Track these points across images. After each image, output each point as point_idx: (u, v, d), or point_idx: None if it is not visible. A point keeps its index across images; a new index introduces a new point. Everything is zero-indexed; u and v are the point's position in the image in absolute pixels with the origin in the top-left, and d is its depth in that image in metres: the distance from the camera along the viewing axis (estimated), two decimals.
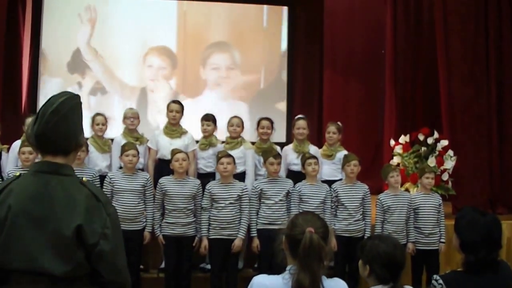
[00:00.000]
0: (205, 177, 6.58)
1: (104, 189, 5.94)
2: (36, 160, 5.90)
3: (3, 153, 6.62)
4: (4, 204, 2.53)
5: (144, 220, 6.12)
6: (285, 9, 10.69)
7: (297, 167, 6.65)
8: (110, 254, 2.53)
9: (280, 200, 6.17)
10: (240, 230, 6.11)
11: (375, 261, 2.88)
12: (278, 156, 6.28)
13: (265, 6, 10.66)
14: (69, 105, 2.61)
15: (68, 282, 2.49)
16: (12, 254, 2.48)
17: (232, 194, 6.07)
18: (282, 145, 7.18)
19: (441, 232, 6.28)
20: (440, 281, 3.07)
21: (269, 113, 7.56)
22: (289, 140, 7.73)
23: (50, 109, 2.56)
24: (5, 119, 7.96)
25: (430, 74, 9.19)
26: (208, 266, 6.52)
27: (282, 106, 10.48)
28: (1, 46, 8.11)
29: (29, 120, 6.10)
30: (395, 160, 7.79)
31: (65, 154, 2.64)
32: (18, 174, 2.68)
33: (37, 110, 2.71)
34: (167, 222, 6.07)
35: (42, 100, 9.44)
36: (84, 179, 2.66)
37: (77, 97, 2.71)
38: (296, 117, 7.16)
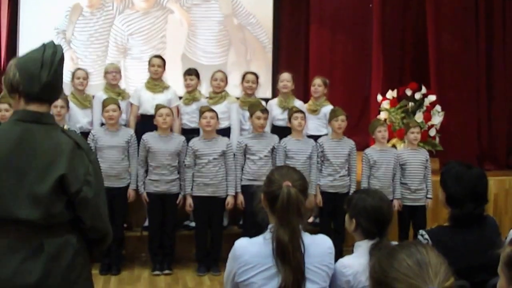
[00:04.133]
0: (189, 133, 6.45)
1: None
2: None
3: None
4: None
5: (128, 177, 6.04)
6: None
7: (281, 122, 6.58)
8: (93, 201, 2.56)
9: (266, 156, 6.10)
10: (230, 187, 6.06)
11: (361, 214, 2.83)
12: (265, 110, 6.18)
13: None
14: (61, 53, 2.62)
15: (48, 228, 2.51)
16: None
17: (215, 150, 5.99)
18: (267, 101, 7.07)
19: (428, 188, 6.25)
20: (426, 236, 3.01)
21: (254, 68, 7.47)
22: (274, 96, 7.62)
23: (57, 57, 2.57)
24: None
25: (418, 28, 9.09)
26: (192, 224, 6.48)
27: (268, 61, 10.28)
28: None
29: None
30: (382, 115, 7.71)
31: (50, 103, 2.65)
32: None
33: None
34: (151, 180, 6.01)
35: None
36: (65, 127, 2.62)
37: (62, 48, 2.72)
38: (281, 72, 7.06)
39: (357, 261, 2.76)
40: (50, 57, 2.56)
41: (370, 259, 2.68)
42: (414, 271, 1.65)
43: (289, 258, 2.48)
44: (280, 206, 2.51)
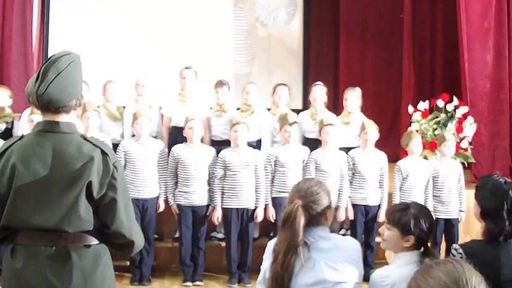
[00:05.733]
0: (221, 145, 6.47)
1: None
2: None
3: (15, 122, 6.54)
4: (8, 164, 2.55)
5: (158, 188, 6.05)
6: None
7: (313, 135, 6.55)
8: (116, 204, 2.58)
9: (296, 168, 6.08)
10: (258, 200, 6.05)
11: (421, 230, 2.80)
12: (294, 123, 6.17)
13: None
14: (69, 61, 2.60)
15: (76, 236, 2.55)
16: (20, 214, 2.53)
17: (246, 162, 5.98)
18: (298, 112, 7.06)
19: (461, 201, 6.17)
20: (460, 250, 2.97)
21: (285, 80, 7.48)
22: (305, 107, 7.60)
23: (51, 67, 2.56)
24: (16, 88, 7.81)
25: (449, 39, 9.00)
26: (219, 235, 6.47)
27: (298, 72, 10.26)
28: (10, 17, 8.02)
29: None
30: (413, 127, 7.63)
31: (67, 112, 2.64)
32: (20, 135, 2.69)
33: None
34: (181, 191, 6.01)
35: None
36: (88, 134, 2.65)
37: (78, 56, 2.70)
38: (314, 84, 7.02)
39: (395, 271, 2.74)
40: (44, 69, 2.56)
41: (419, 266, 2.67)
42: None
43: (276, 260, 2.49)
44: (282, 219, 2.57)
